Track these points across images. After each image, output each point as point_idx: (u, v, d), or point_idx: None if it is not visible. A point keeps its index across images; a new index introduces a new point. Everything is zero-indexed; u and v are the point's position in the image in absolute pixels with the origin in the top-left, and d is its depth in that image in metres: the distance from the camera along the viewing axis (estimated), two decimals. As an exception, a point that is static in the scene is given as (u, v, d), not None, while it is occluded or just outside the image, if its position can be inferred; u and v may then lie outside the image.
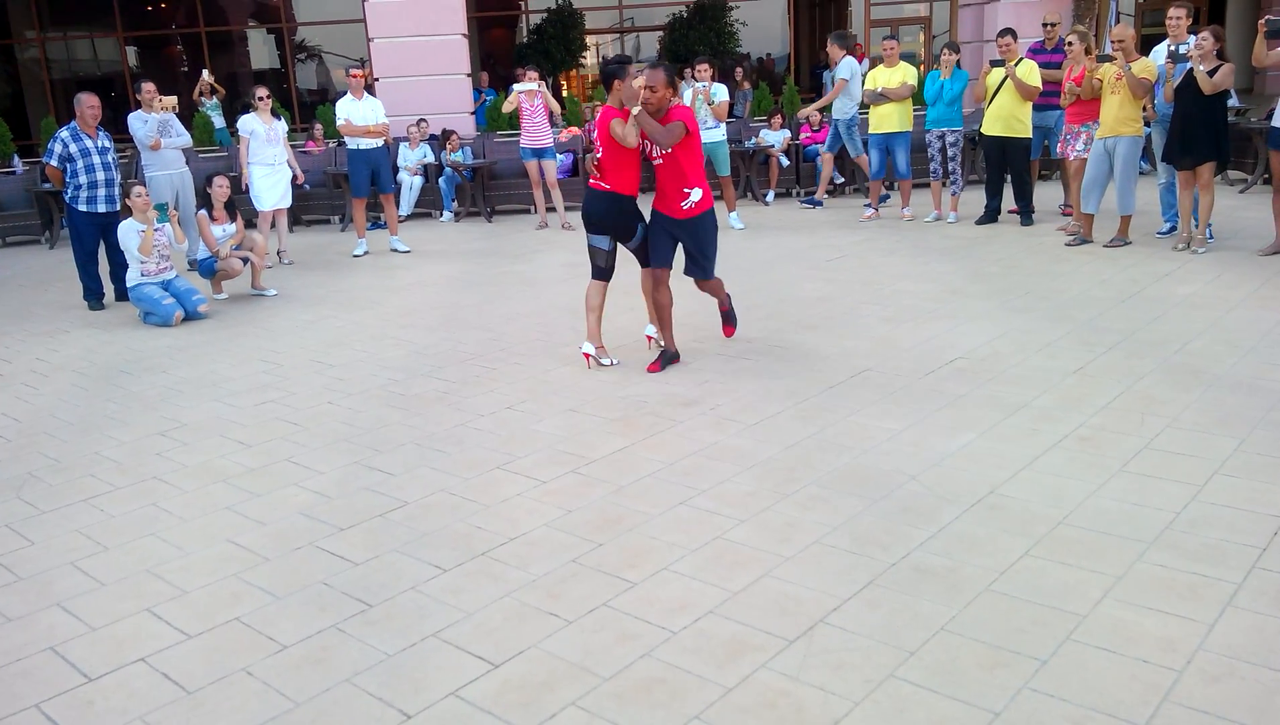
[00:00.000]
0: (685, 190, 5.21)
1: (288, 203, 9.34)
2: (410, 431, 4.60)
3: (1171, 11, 7.39)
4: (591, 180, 5.43)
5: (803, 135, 12.26)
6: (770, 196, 11.84)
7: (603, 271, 5.50)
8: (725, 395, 4.87)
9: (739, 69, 16.06)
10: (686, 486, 3.83)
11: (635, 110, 5.08)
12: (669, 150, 5.16)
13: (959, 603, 2.92)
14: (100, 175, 7.64)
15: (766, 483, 3.83)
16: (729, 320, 5.76)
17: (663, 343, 5.55)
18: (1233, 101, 9.15)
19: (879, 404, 4.62)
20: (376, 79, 13.30)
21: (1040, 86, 8.58)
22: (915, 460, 3.95)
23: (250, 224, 8.91)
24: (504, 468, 4.12)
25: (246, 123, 9.04)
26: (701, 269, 5.46)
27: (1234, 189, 10.14)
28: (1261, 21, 6.90)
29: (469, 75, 13.82)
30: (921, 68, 16.74)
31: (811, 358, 5.40)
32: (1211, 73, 6.97)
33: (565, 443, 4.36)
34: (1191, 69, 7.07)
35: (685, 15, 19.04)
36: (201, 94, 14.16)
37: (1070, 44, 8.28)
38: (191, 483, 4.14)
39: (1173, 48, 7.28)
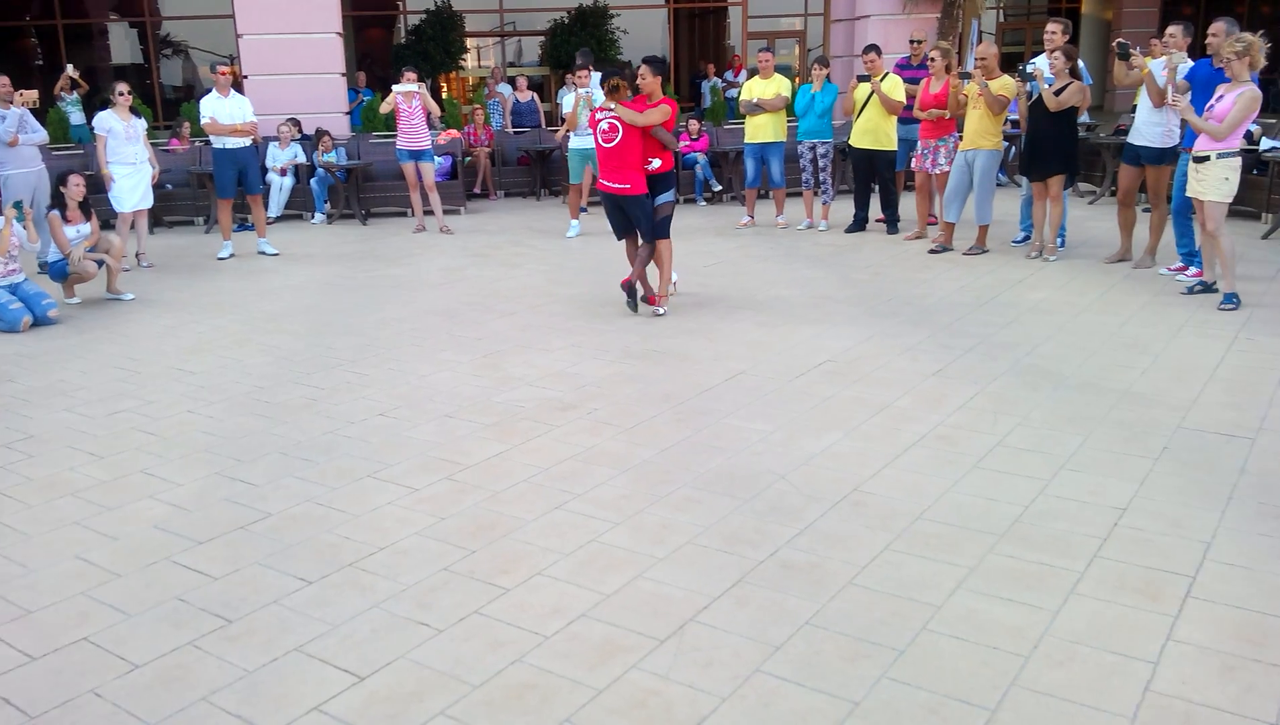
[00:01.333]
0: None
1: (148, 203, 8.93)
2: (276, 440, 4.46)
3: (1049, 26, 7.80)
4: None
5: (682, 143, 12.42)
6: (649, 203, 11.94)
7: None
8: (602, 399, 4.90)
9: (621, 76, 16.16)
10: (562, 491, 3.84)
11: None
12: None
13: (823, 597, 3.01)
14: (-61, 171, 7.16)
15: (642, 485, 3.86)
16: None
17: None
18: (1083, 118, 9.72)
19: (752, 406, 4.72)
20: (245, 76, 12.85)
21: (904, 101, 8.93)
22: (784, 460, 4.06)
23: (107, 225, 8.50)
24: (374, 476, 4.03)
25: (104, 120, 8.61)
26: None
27: (1084, 200, 10.75)
28: (1114, 44, 7.35)
29: (344, 75, 13.49)
30: (796, 80, 17.19)
31: (688, 362, 5.48)
32: (1059, 92, 7.37)
33: (439, 449, 4.30)
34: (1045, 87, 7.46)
35: (566, 21, 19.04)
36: (63, 88, 13.41)
37: (932, 60, 8.64)
38: (38, 497, 3.91)
39: (1021, 67, 7.68)
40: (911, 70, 9.82)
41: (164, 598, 3.10)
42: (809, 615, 2.91)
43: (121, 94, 8.70)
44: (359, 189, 11.55)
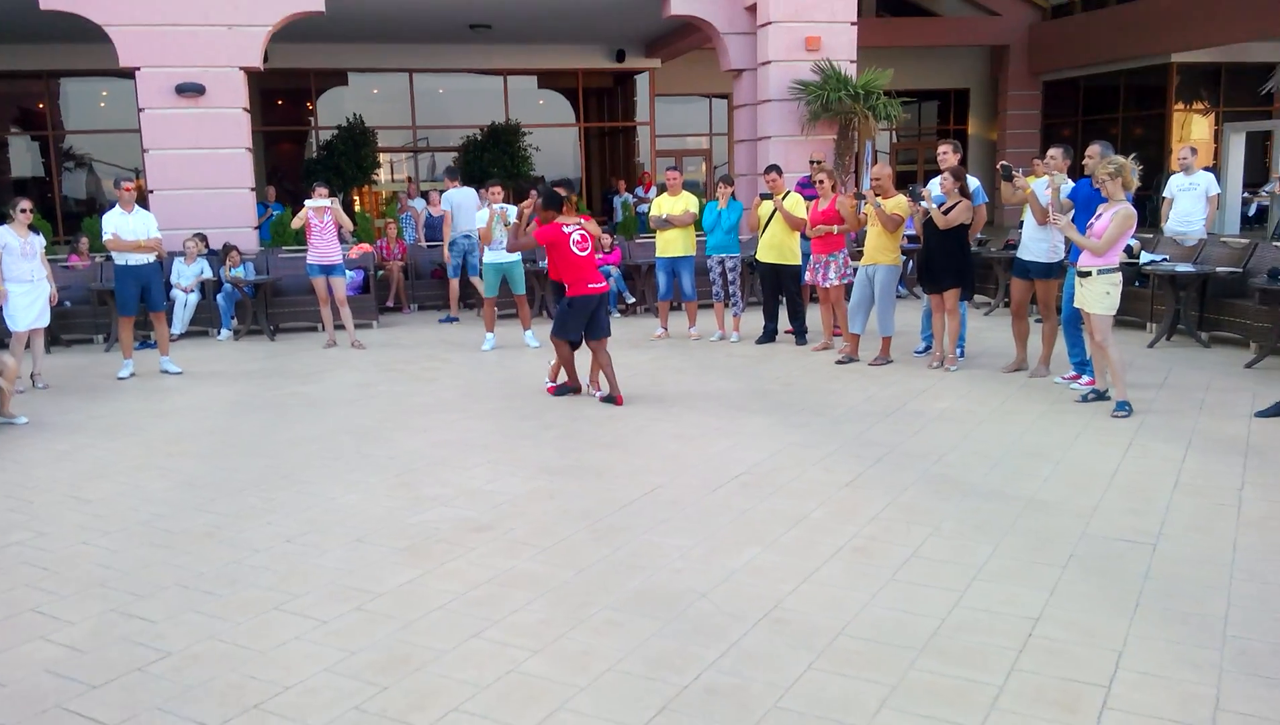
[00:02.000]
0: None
1: (45, 322, 8.63)
2: (176, 572, 4.26)
3: (940, 147, 8.25)
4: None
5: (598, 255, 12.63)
6: (564, 315, 12.05)
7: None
8: (519, 518, 4.84)
9: (532, 191, 16.47)
10: (479, 617, 3.74)
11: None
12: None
13: (749, 722, 2.97)
14: None
15: (561, 609, 3.80)
16: (561, 390, 7.58)
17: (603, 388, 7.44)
18: (978, 235, 10.23)
19: (670, 521, 4.72)
20: (151, 191, 12.69)
21: (806, 218, 9.29)
22: (705, 577, 4.04)
23: (1, 345, 8.18)
24: (281, 608, 3.88)
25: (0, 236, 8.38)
26: (554, 330, 7.49)
27: (980, 311, 11.23)
28: (998, 166, 7.82)
29: (253, 189, 13.43)
30: (704, 196, 17.78)
31: (606, 477, 5.47)
32: (948, 210, 7.78)
33: (349, 576, 4.17)
34: (940, 206, 7.87)
35: (479, 137, 19.44)
36: (-48, 203, 13.03)
37: (820, 181, 9.07)
38: (-89, 643, 3.65)
39: (911, 187, 8.10)
40: (812, 188, 10.25)
41: (51, 752, 2.90)
42: (734, 742, 2.87)
43: (22, 210, 8.49)
44: (268, 304, 11.40)
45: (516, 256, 9.86)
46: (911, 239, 10.13)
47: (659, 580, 4.04)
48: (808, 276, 9.27)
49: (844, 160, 14.45)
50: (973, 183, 8.18)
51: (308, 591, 4.02)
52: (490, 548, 4.46)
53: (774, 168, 9.57)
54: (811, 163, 10.82)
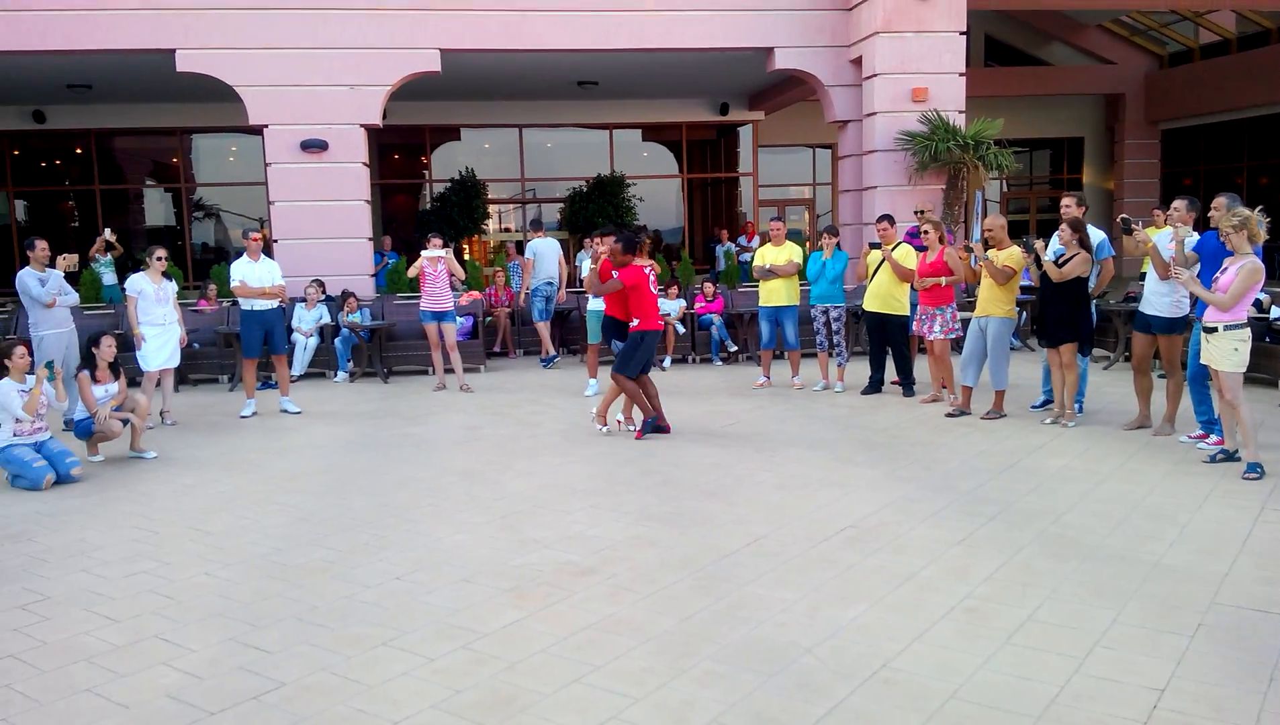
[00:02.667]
0: (632, 318, 7.90)
1: (175, 363, 9.11)
2: (291, 605, 4.40)
3: (1064, 199, 8.07)
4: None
5: (698, 304, 12.70)
6: (667, 362, 12.12)
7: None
8: (622, 563, 4.84)
9: (647, 239, 16.69)
10: (581, 662, 3.75)
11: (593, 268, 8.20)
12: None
13: (855, 783, 2.89)
14: (-25, 330, 7.36)
15: (663, 657, 3.77)
16: (645, 426, 7.89)
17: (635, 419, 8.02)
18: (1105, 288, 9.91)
19: (774, 573, 4.65)
20: (275, 240, 13.33)
21: (914, 269, 9.16)
22: (810, 632, 3.97)
23: (134, 382, 8.65)
24: (389, 644, 3.95)
25: (135, 282, 8.90)
26: (617, 364, 7.88)
27: (1099, 366, 10.84)
28: (1118, 220, 7.59)
29: (370, 239, 13.98)
30: (807, 245, 17.72)
31: (707, 525, 5.44)
32: (1063, 263, 7.56)
33: (455, 615, 4.23)
34: (1057, 258, 7.66)
35: (585, 189, 19.83)
36: (98, 251, 13.92)
37: (925, 232, 8.94)
38: (51, 662, 3.84)
39: (1024, 239, 7.91)
40: (918, 239, 10.13)
41: (172, 774, 3.01)
42: (841, 803, 2.79)
43: (159, 258, 9.02)
44: (382, 348, 11.79)
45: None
46: (1025, 290, 9.87)
47: (762, 633, 3.98)
48: (914, 327, 9.12)
49: (953, 210, 14.23)
50: (1097, 236, 7.94)
51: (416, 629, 4.10)
52: (592, 592, 4.47)
53: (886, 217, 9.50)
54: (916, 213, 10.69)
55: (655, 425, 7.87)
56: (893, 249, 9.22)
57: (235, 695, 3.53)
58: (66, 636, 4.09)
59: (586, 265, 10.15)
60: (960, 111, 14.20)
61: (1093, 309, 8.09)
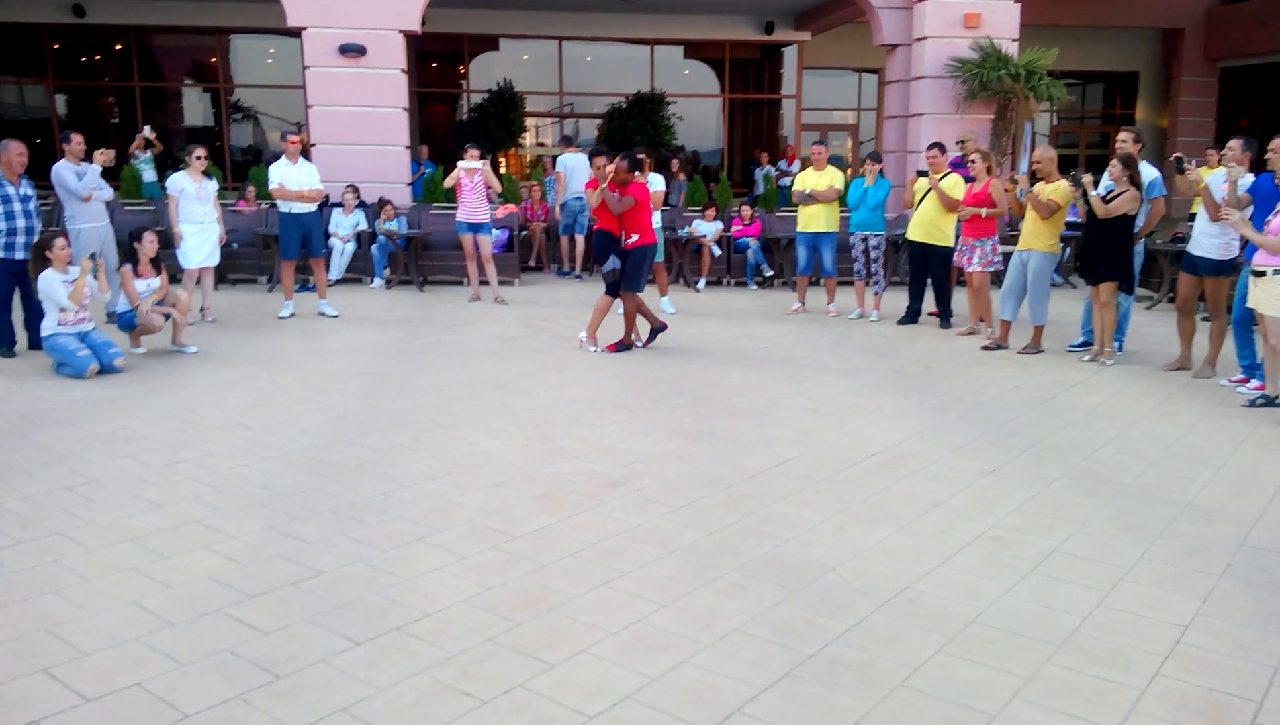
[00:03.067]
0: (630, 234, 7.93)
1: (215, 261, 9.20)
2: (329, 499, 4.50)
3: (1120, 134, 7.86)
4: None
5: (734, 227, 12.58)
6: (701, 284, 12.08)
7: (610, 288, 8.07)
8: (651, 477, 4.90)
9: (675, 160, 16.49)
10: (609, 568, 3.82)
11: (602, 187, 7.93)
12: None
13: (874, 697, 2.95)
14: (20, 222, 7.43)
15: (689, 568, 3.84)
16: (620, 347, 8.05)
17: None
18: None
19: (801, 493, 4.69)
20: (313, 144, 13.29)
21: (962, 200, 9.00)
22: (835, 552, 4.01)
23: (174, 279, 8.74)
24: (424, 540, 4.05)
25: (176, 181, 8.93)
26: (628, 283, 7.96)
27: (1142, 306, 10.67)
28: (1170, 158, 7.39)
29: (408, 147, 13.90)
30: (849, 172, 17.42)
31: (737, 444, 5.47)
32: (1110, 199, 7.39)
33: (488, 517, 4.32)
34: (1105, 195, 7.48)
35: (624, 106, 19.54)
36: (138, 147, 13.96)
37: (973, 161, 8.75)
38: (97, 540, 3.97)
39: (1073, 172, 7.72)
40: (963, 169, 9.93)
41: (215, 649, 3.12)
42: (859, 715, 2.85)
43: (198, 157, 9.03)
44: (418, 257, 11.82)
45: (656, 224, 9.87)
46: (1072, 226, 9.70)
47: (788, 550, 4.03)
48: (954, 258, 9.01)
49: (1001, 142, 13.91)
50: (1150, 173, 7.75)
51: (449, 527, 4.19)
52: (621, 503, 4.53)
53: (937, 145, 9.29)
54: (958, 143, 10.47)
55: (623, 345, 8.07)
56: (941, 178, 9.05)
57: (274, 581, 3.64)
58: (112, 518, 4.22)
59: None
60: (1013, 40, 13.78)
61: (1139, 248, 7.93)
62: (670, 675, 3.05)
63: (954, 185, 9.02)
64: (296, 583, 3.63)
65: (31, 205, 7.59)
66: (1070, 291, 11.54)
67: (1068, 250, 10.95)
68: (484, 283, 10.77)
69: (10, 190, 7.42)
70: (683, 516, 4.38)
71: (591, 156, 8.44)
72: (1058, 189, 7.90)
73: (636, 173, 8.01)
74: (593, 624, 3.37)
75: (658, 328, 8.22)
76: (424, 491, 4.63)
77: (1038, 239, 8.01)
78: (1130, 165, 7.45)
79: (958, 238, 9.12)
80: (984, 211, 8.54)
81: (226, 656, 3.08)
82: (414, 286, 11.66)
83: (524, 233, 13.06)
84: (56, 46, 18.80)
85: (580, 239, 12.60)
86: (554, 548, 4.00)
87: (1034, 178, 8.19)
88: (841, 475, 4.98)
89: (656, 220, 9.86)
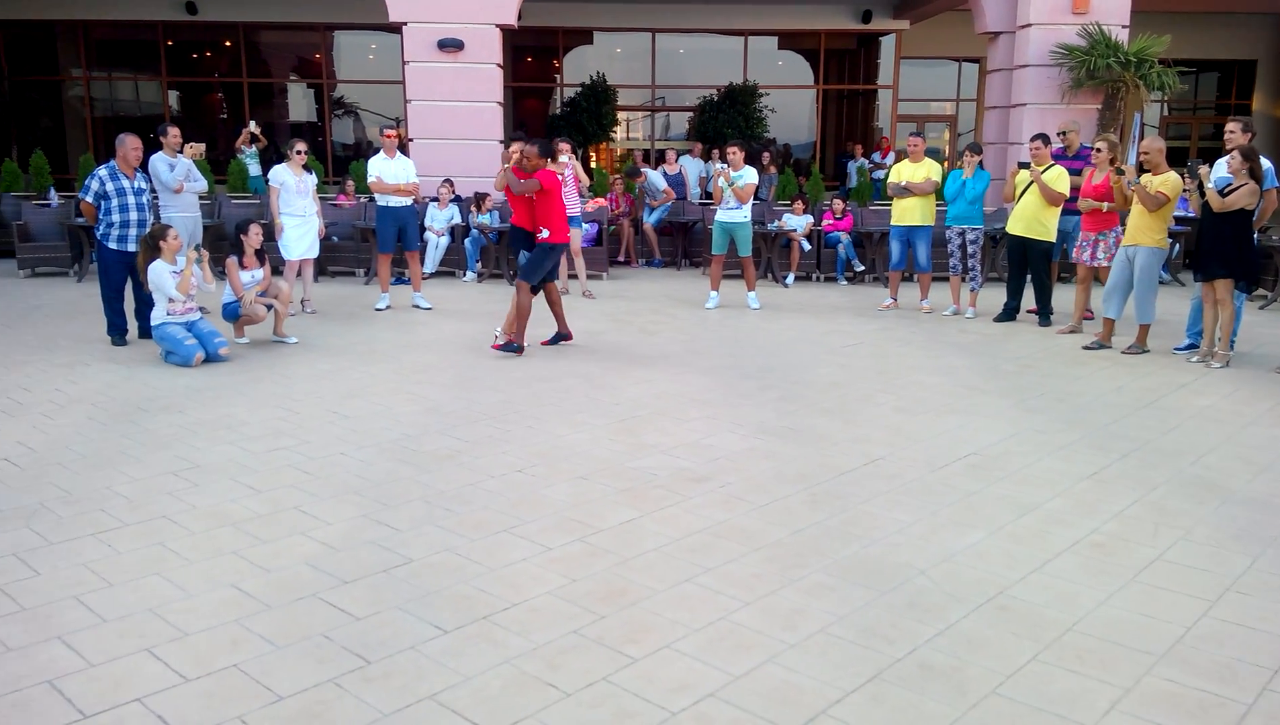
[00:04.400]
0: (540, 228, 7.67)
1: (314, 253, 9.47)
2: (420, 488, 4.60)
3: (1229, 125, 7.53)
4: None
5: (825, 222, 12.42)
6: (790, 279, 11.96)
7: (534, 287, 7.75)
8: (736, 473, 4.87)
9: (766, 153, 16.35)
10: (693, 564, 3.81)
11: (505, 167, 7.74)
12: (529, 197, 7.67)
13: (964, 704, 2.88)
14: (134, 215, 7.78)
15: (773, 566, 3.80)
16: (506, 347, 7.59)
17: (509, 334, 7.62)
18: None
19: (889, 494, 4.61)
20: (411, 139, 13.57)
21: (1067, 193, 8.72)
22: (924, 554, 3.93)
23: (276, 271, 9.04)
24: (510, 531, 4.11)
25: (278, 174, 9.22)
26: (523, 273, 7.70)
27: (1254, 305, 10.18)
28: None
29: (501, 141, 14.08)
30: (945, 165, 17.02)
31: (824, 442, 5.40)
32: (1226, 192, 7.04)
33: (573, 510, 4.35)
34: (1222, 188, 7.15)
35: (715, 99, 19.43)
36: (244, 142, 14.48)
37: (1098, 150, 8.43)
38: (200, 524, 4.14)
39: (1190, 164, 7.39)
40: (1066, 161, 9.61)
41: (309, 633, 3.22)
42: (948, 722, 2.79)
43: (299, 151, 9.31)
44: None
45: (745, 217, 9.82)
46: (1181, 221, 9.29)
47: (875, 552, 3.96)
48: (1074, 253, 8.72)
49: (1109, 132, 13.39)
50: (1265, 164, 7.37)
51: (535, 519, 4.24)
52: (706, 499, 4.52)
53: (1040, 136, 9.00)
54: (1059, 134, 10.11)
55: (516, 347, 7.59)
56: (1044, 170, 8.77)
57: (367, 567, 3.74)
58: (214, 502, 4.39)
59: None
60: (1123, 26, 13.24)
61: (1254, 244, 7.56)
62: (754, 674, 3.03)
63: (1058, 177, 8.73)
64: (388, 569, 3.72)
65: (145, 198, 7.93)
66: (1177, 290, 11.05)
67: (1176, 246, 10.49)
68: (573, 276, 10.85)
69: (126, 183, 7.77)
70: (768, 514, 4.34)
71: (509, 142, 8.19)
72: (1166, 181, 7.57)
73: (550, 161, 7.84)
74: (676, 620, 3.36)
75: (562, 334, 8.03)
76: (511, 482, 4.70)
77: (1145, 234, 7.69)
78: (1251, 157, 7.11)
79: (1062, 234, 8.83)
80: (1105, 206, 8.24)
81: (320, 640, 3.17)
82: (504, 279, 11.82)
83: (612, 228, 13.12)
84: (170, 43, 19.58)
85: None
86: (638, 542, 4.01)
87: (1141, 170, 7.87)
88: (932, 476, 4.87)
89: (744, 214, 9.80)
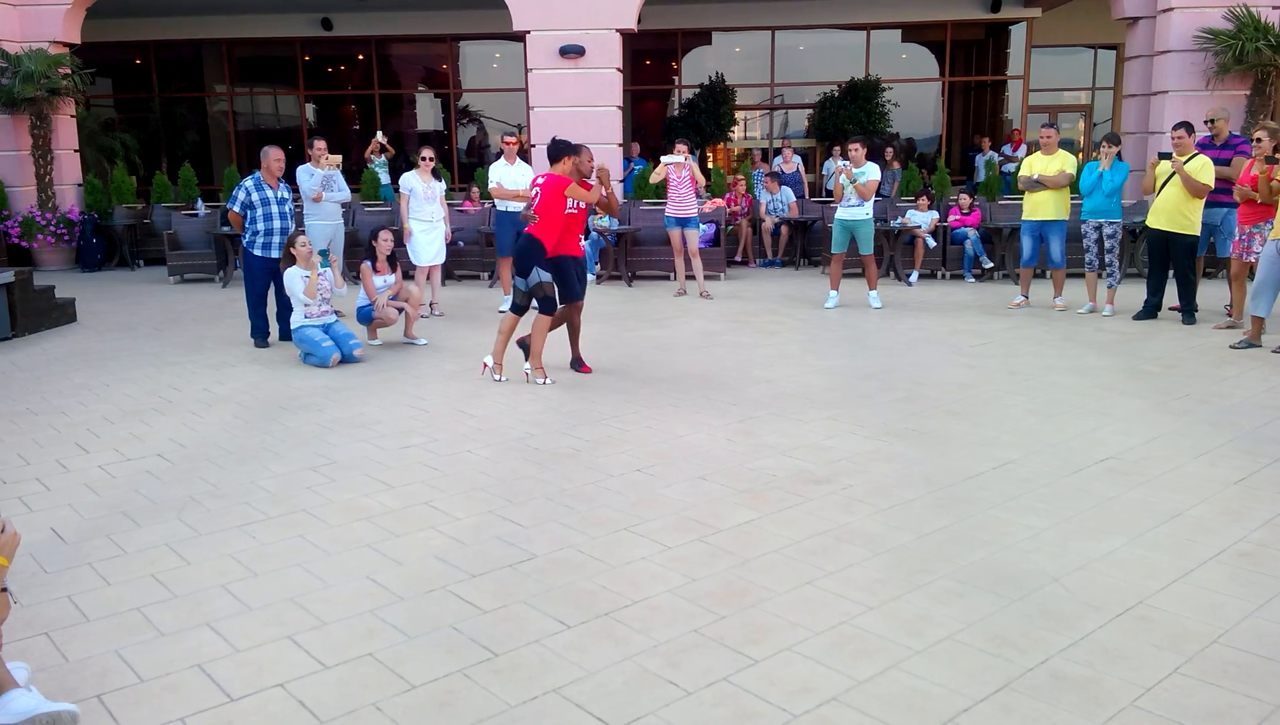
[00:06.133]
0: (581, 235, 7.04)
1: (442, 259, 9.76)
2: (543, 485, 4.70)
3: None
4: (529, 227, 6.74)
5: (951, 218, 12.09)
6: (914, 277, 11.69)
7: (518, 307, 6.87)
8: (857, 476, 4.80)
9: (889, 149, 16.03)
10: (814, 566, 3.78)
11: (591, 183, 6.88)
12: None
13: (1100, 716, 2.76)
14: (277, 223, 8.19)
15: (898, 571, 3.73)
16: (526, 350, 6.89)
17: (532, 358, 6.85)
18: None
19: (1021, 499, 4.46)
20: (533, 145, 13.85)
21: (1211, 185, 8.26)
22: (1058, 561, 3.79)
23: (407, 276, 9.36)
24: (631, 529, 4.15)
25: (407, 180, 9.55)
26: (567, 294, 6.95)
27: None
28: None
29: (620, 145, 14.23)
30: (1080, 156, 16.32)
31: (951, 445, 5.27)
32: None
33: (692, 510, 4.37)
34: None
35: (836, 95, 19.15)
36: (373, 152, 15.07)
37: (1259, 140, 7.96)
38: (337, 518, 4.33)
39: None
40: (1214, 150, 9.09)
41: (440, 624, 3.33)
42: (1083, 734, 2.69)
43: (425, 158, 9.62)
44: (627, 252, 12.09)
45: (867, 215, 9.66)
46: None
47: (1006, 558, 3.84)
48: (1232, 247, 8.26)
49: (1258, 119, 12.61)
50: None
51: (655, 518, 4.28)
52: (826, 501, 4.47)
53: (1184, 125, 8.56)
54: (1206, 122, 9.57)
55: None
56: (1187, 161, 8.32)
57: (494, 562, 3.84)
58: (350, 497, 4.59)
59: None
60: (1274, 7, 12.44)
61: None
62: (878, 679, 2.98)
63: (1202, 169, 8.27)
64: (513, 564, 3.81)
65: (287, 207, 8.34)
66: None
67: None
68: (690, 277, 10.88)
69: (270, 193, 8.20)
70: (891, 518, 4.26)
71: (564, 154, 6.84)
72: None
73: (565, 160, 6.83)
74: (797, 622, 3.34)
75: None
76: (630, 482, 4.75)
77: (1299, 225, 7.22)
78: None
79: (1207, 228, 8.37)
80: (1259, 197, 7.79)
81: (449, 632, 3.28)
82: (623, 281, 11.94)
83: (730, 228, 13.09)
84: (306, 58, 20.53)
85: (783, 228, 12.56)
86: (757, 543, 4.00)
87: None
88: (1066, 480, 4.69)
89: (866, 211, 9.63)
